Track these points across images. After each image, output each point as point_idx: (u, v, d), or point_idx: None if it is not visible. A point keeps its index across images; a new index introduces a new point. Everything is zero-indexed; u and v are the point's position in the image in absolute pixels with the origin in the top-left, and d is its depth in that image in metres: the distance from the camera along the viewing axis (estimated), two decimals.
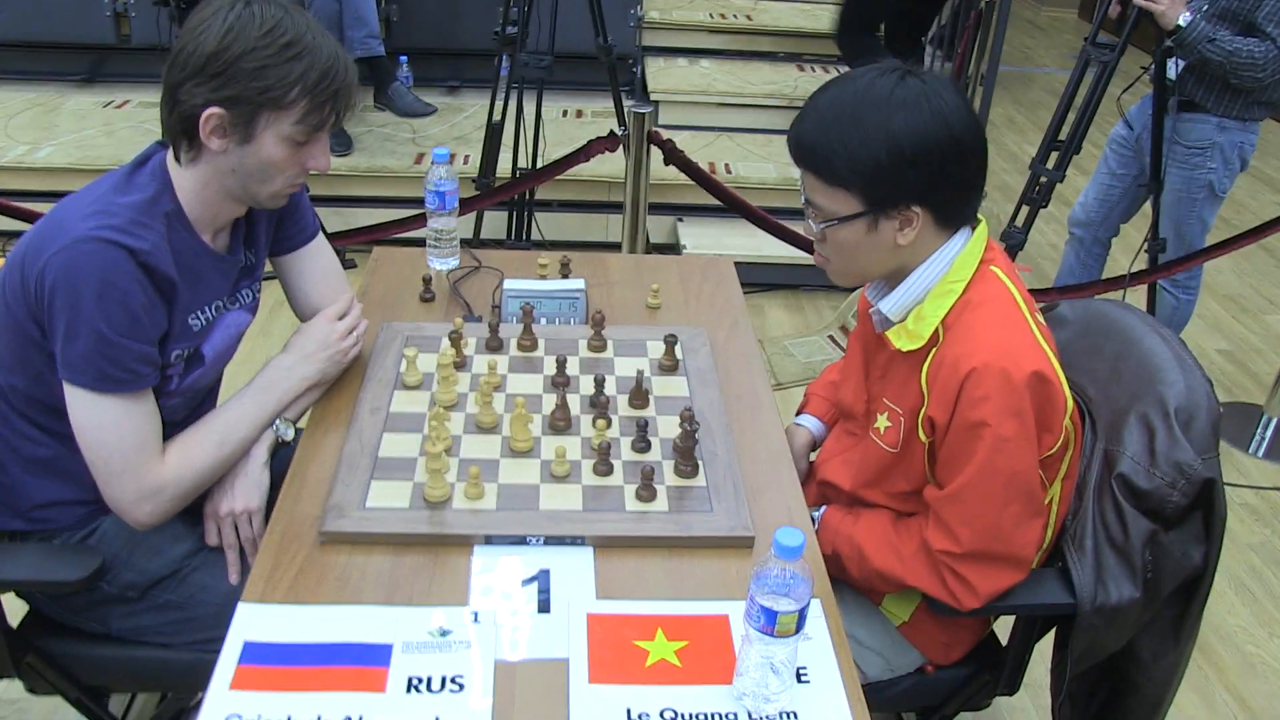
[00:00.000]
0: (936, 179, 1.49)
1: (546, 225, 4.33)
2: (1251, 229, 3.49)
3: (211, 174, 1.60)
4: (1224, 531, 1.66)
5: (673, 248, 4.42)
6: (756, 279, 4.19)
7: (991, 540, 1.54)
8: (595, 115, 4.94)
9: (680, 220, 4.41)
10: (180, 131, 1.56)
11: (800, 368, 3.72)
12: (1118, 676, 1.80)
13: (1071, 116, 3.51)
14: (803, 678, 1.33)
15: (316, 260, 1.89)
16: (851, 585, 1.73)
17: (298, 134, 1.57)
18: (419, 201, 4.20)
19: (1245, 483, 3.49)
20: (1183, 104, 3.31)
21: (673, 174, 3.37)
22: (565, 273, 2.13)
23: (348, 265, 4.05)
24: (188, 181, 1.60)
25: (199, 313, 1.66)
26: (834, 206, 1.51)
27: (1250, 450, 3.66)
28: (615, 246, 3.42)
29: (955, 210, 1.54)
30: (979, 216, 1.60)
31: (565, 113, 4.98)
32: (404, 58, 4.96)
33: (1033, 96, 7.41)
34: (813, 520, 1.72)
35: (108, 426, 1.52)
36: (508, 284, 2.03)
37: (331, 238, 3.77)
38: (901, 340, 1.56)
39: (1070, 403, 1.58)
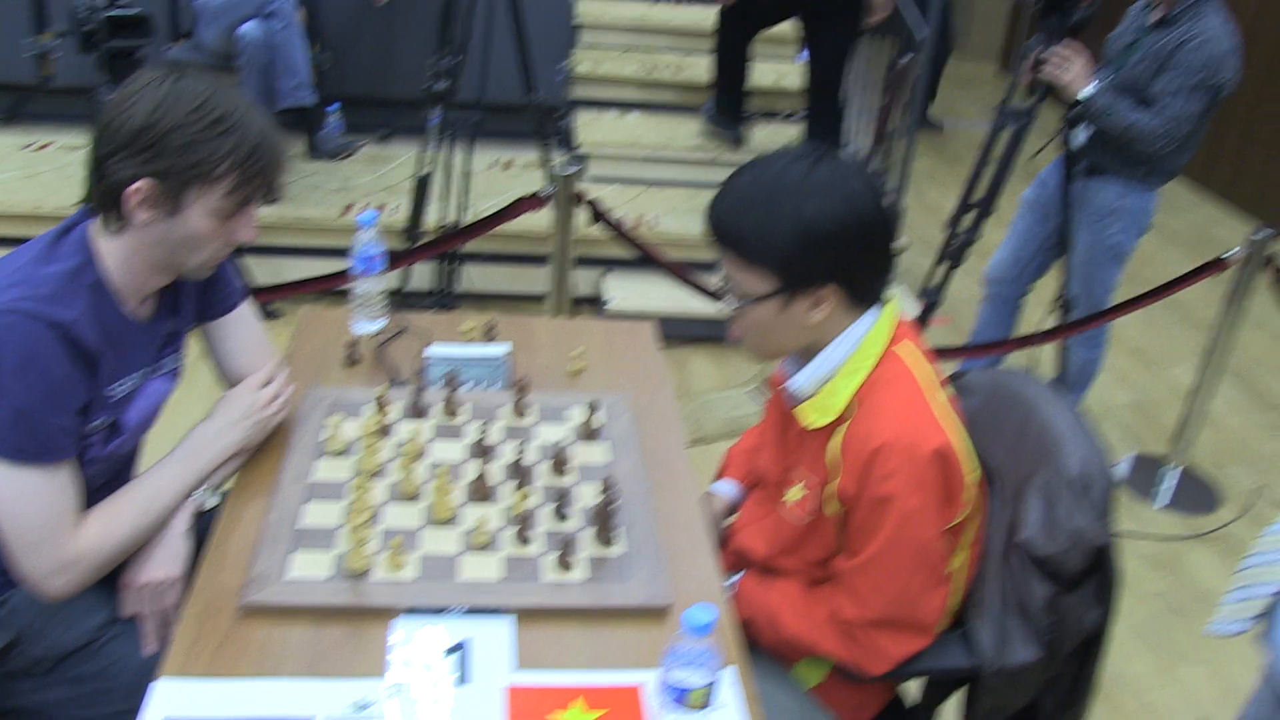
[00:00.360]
0: (847, 261, 1.56)
1: (474, 277, 4.37)
2: (1156, 287, 3.62)
3: (138, 244, 1.61)
4: (1119, 593, 1.74)
5: (596, 300, 4.47)
6: (681, 332, 4.26)
7: (898, 608, 1.61)
8: (524, 167, 4.99)
9: (606, 273, 4.46)
10: (107, 202, 1.58)
11: (723, 422, 3.78)
12: None
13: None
14: None
15: (241, 327, 1.91)
16: (766, 650, 1.78)
17: (226, 207, 1.60)
18: (346, 251, 4.23)
19: (1148, 534, 3.61)
20: (1089, 169, 3.46)
21: (600, 227, 3.43)
22: (490, 337, 2.17)
23: (273, 316, 4.06)
24: (114, 251, 1.62)
25: (121, 382, 1.67)
26: (749, 285, 1.58)
27: (1153, 502, 3.78)
28: (541, 298, 3.47)
29: (865, 290, 1.61)
30: (888, 295, 1.67)
31: (494, 163, 5.02)
32: (335, 106, 4.97)
33: (953, 150, 7.60)
34: (727, 587, 1.76)
35: (24, 498, 1.52)
36: (432, 349, 2.06)
37: (258, 289, 3.80)
38: (813, 416, 1.63)
39: (973, 475, 1.65)
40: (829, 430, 1.63)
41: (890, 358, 1.63)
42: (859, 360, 1.62)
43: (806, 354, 1.67)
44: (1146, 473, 3.92)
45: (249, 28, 4.23)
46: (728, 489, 2.02)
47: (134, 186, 1.54)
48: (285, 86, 4.32)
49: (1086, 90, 3.22)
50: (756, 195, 1.56)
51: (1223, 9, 3.23)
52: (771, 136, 5.28)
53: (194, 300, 1.84)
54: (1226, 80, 3.18)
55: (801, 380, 1.66)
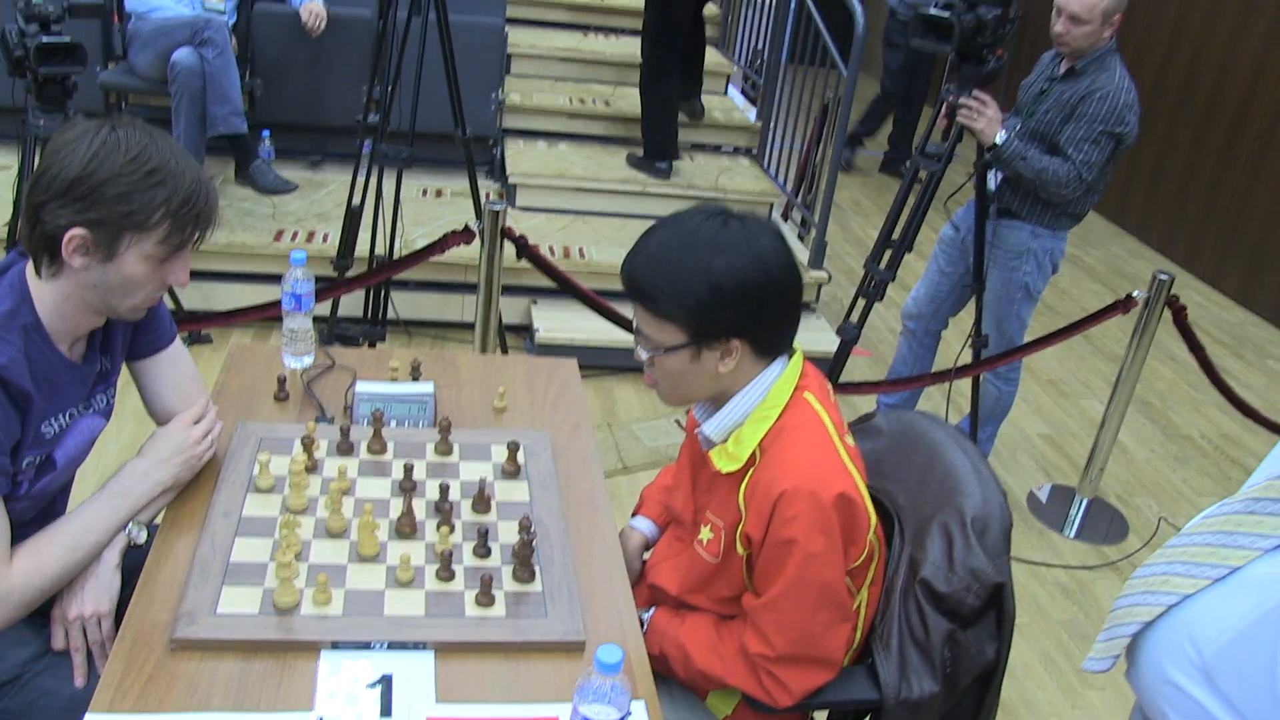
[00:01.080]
0: (754, 316, 1.64)
1: (404, 304, 4.41)
2: (1065, 326, 3.77)
3: (72, 288, 1.66)
4: (1014, 628, 1.84)
5: (527, 329, 4.54)
6: (608, 361, 4.34)
7: (803, 645, 1.70)
8: (454, 195, 5.05)
9: (535, 302, 4.53)
10: (42, 249, 1.62)
11: (647, 451, 3.87)
12: None
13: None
14: None
15: (173, 365, 1.96)
16: (679, 682, 1.86)
17: (159, 253, 1.64)
18: (277, 277, 4.26)
19: (1058, 562, 3.74)
20: (1001, 212, 3.60)
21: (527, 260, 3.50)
22: (415, 375, 2.23)
23: (204, 340, 4.07)
24: (48, 294, 1.66)
25: (53, 420, 1.71)
26: (661, 337, 1.66)
27: (1064, 531, 3.93)
28: (470, 326, 3.53)
29: (772, 343, 1.70)
30: (794, 346, 1.77)
31: (425, 192, 5.08)
32: (267, 132, 5.00)
33: (879, 181, 7.79)
34: (642, 622, 1.84)
35: None
36: (359, 386, 2.12)
37: (190, 317, 3.82)
38: (722, 462, 1.71)
39: (874, 519, 1.75)
40: (738, 476, 1.71)
41: (797, 404, 1.72)
42: (766, 408, 1.71)
43: (717, 400, 1.75)
44: (1058, 503, 4.07)
45: (182, 54, 4.24)
46: (645, 525, 2.10)
47: (69, 234, 1.58)
48: (218, 113, 4.34)
49: (998, 137, 3.36)
50: (669, 252, 1.64)
51: (1123, 64, 3.39)
52: (702, 167, 5.40)
53: (125, 339, 1.88)
54: (1128, 130, 3.34)
55: (712, 427, 1.74)
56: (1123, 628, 1.43)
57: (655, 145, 5.20)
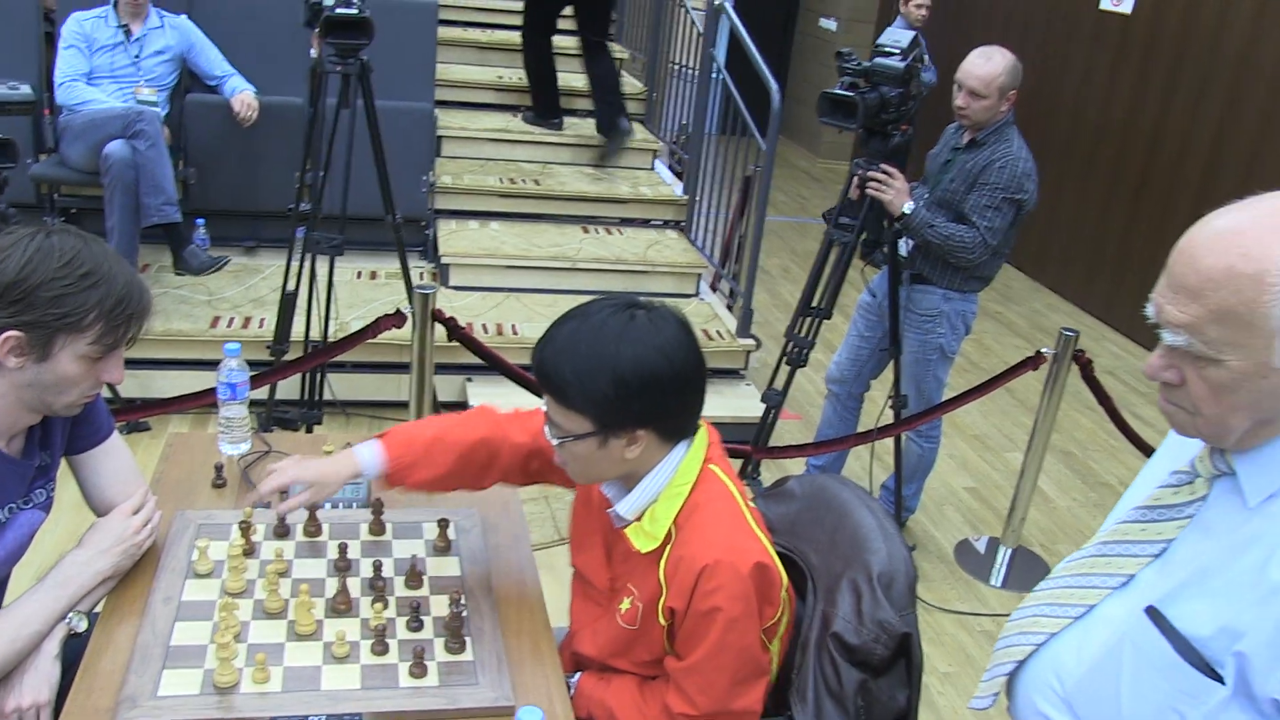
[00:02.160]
0: (658, 407, 1.74)
1: (341, 385, 4.49)
2: (981, 383, 3.92)
3: (8, 388, 1.73)
4: (922, 675, 1.95)
5: (463, 405, 4.63)
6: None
7: (724, 703, 1.79)
8: (388, 276, 5.15)
9: (469, 379, 4.62)
10: None
11: None
12: None
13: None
14: None
15: (111, 458, 2.02)
16: None
17: (93, 352, 1.72)
18: (214, 363, 4.31)
19: (985, 611, 3.87)
20: (914, 277, 3.77)
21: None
22: None
23: (142, 428, 4.11)
24: None
25: None
26: (569, 425, 1.75)
27: (990, 581, 4.06)
28: (407, 405, 3.61)
29: (677, 429, 1.80)
30: (699, 424, 1.87)
31: (360, 274, 5.17)
32: (201, 221, 5.07)
33: (807, 246, 7.97)
34: (569, 685, 1.93)
35: None
36: None
37: (128, 404, 3.87)
38: (640, 541, 1.80)
39: (784, 578, 1.85)
40: (657, 552, 1.80)
41: (706, 478, 1.82)
42: (676, 485, 1.80)
43: (627, 480, 1.85)
44: (984, 554, 4.21)
45: (114, 147, 4.30)
46: (371, 456, 1.94)
47: (4, 336, 1.66)
48: (152, 204, 4.40)
49: (906, 207, 3.53)
50: (576, 346, 1.72)
51: (1020, 135, 3.59)
52: (631, 240, 5.54)
53: (64, 434, 1.95)
54: (1027, 197, 3.52)
55: (625, 508, 1.83)
56: (1000, 667, 1.55)
57: (543, 105, 6.12)
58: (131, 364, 4.16)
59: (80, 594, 1.83)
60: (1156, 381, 1.33)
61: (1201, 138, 6.28)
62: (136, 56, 4.65)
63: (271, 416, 4.21)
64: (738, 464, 4.14)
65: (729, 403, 4.80)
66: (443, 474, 1.97)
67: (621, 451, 1.75)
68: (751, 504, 1.86)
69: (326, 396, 4.25)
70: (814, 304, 3.74)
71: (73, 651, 1.80)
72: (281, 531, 2.06)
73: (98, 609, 1.89)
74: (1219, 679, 1.27)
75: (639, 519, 1.82)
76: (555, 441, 1.79)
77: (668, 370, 1.71)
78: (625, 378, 1.68)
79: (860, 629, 1.90)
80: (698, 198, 5.91)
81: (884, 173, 3.52)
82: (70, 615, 1.81)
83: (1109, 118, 6.96)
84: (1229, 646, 1.26)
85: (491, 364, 3.43)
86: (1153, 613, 1.33)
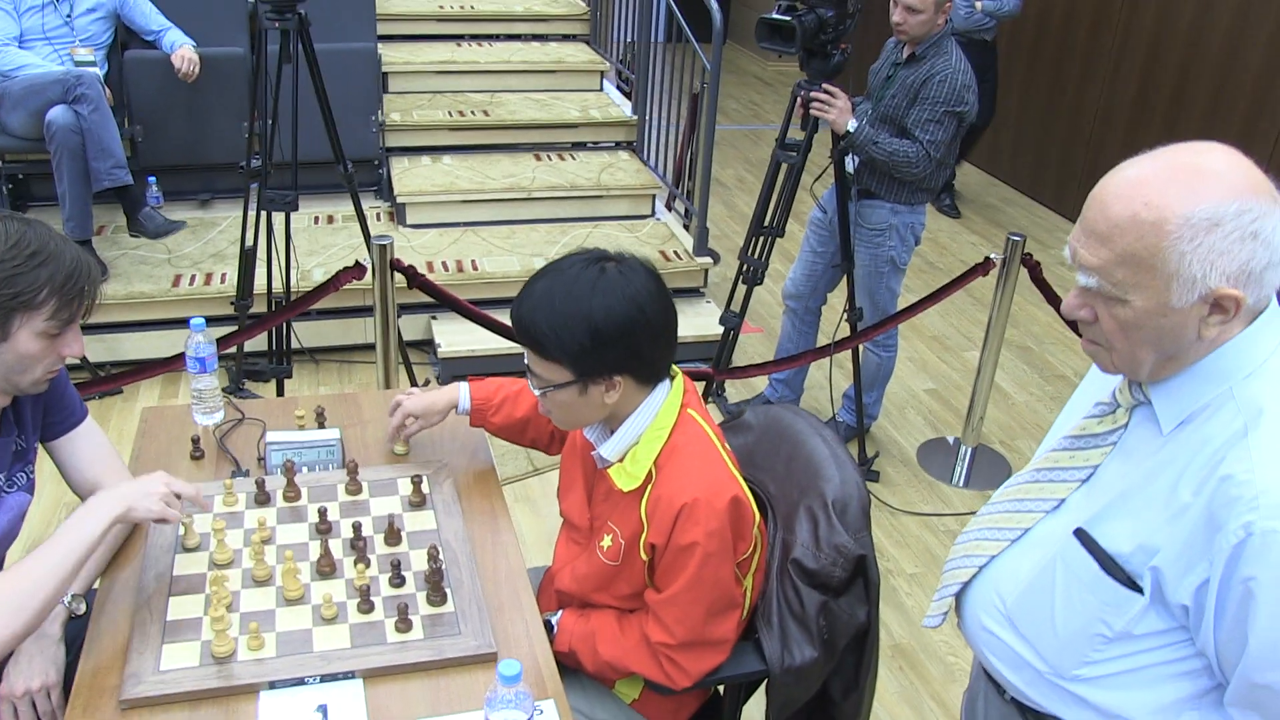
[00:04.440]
0: (632, 354, 1.84)
1: (307, 334, 4.54)
2: (933, 291, 4.01)
3: None
4: (879, 593, 2.07)
5: (428, 344, 4.70)
6: (509, 369, 4.48)
7: (699, 633, 1.91)
8: (345, 219, 5.17)
9: (434, 318, 4.68)
10: None
11: None
12: (821, 713, 2.19)
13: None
14: None
15: (88, 441, 2.10)
16: (589, 675, 2.06)
17: (51, 328, 1.80)
18: (181, 323, 4.35)
19: (948, 511, 4.01)
20: (861, 192, 3.84)
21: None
22: (321, 422, 2.39)
23: (114, 393, 4.16)
24: None
25: None
26: (549, 376, 1.85)
27: (952, 481, 4.20)
28: (373, 347, 3.67)
29: (651, 374, 1.90)
30: (674, 369, 1.96)
31: (316, 219, 5.18)
32: (153, 179, 5.06)
33: (761, 154, 8.00)
34: (551, 624, 2.04)
35: None
36: (270, 437, 2.28)
37: (96, 371, 3.92)
38: (622, 481, 1.91)
39: (757, 516, 1.96)
40: (638, 491, 1.91)
41: (684, 422, 1.92)
42: (657, 428, 1.91)
43: (609, 423, 1.95)
44: (945, 455, 4.34)
45: (56, 113, 4.26)
46: (465, 398, 2.31)
47: None
48: (101, 168, 4.38)
49: (850, 125, 3.59)
50: (552, 300, 1.82)
51: (958, 47, 3.64)
52: (584, 164, 5.56)
53: (36, 419, 2.02)
54: (968, 109, 3.59)
55: (608, 450, 1.94)
56: (948, 588, 1.67)
57: None
58: (97, 329, 4.29)
59: (97, 529, 1.78)
60: (1073, 318, 1.43)
61: (1144, 19, 6.32)
62: (68, 15, 4.58)
63: (241, 370, 4.27)
64: (700, 386, 4.24)
65: (690, 321, 4.88)
66: (512, 423, 2.30)
67: (601, 397, 1.86)
68: (727, 446, 1.96)
69: (295, 345, 4.31)
70: (766, 223, 3.81)
71: (73, 633, 1.89)
72: (263, 499, 2.14)
73: (96, 585, 1.97)
74: (1139, 590, 1.39)
75: (621, 460, 1.92)
76: (538, 392, 1.90)
77: (639, 318, 1.81)
78: (599, 328, 1.79)
79: (818, 554, 2.01)
80: (648, 116, 5.93)
81: (826, 93, 3.57)
82: (68, 598, 1.89)
83: (1051, 2, 6.99)
84: (1146, 561, 1.38)
85: (452, 307, 3.49)
86: (1081, 534, 1.45)
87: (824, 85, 3.57)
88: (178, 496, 1.88)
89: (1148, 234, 1.29)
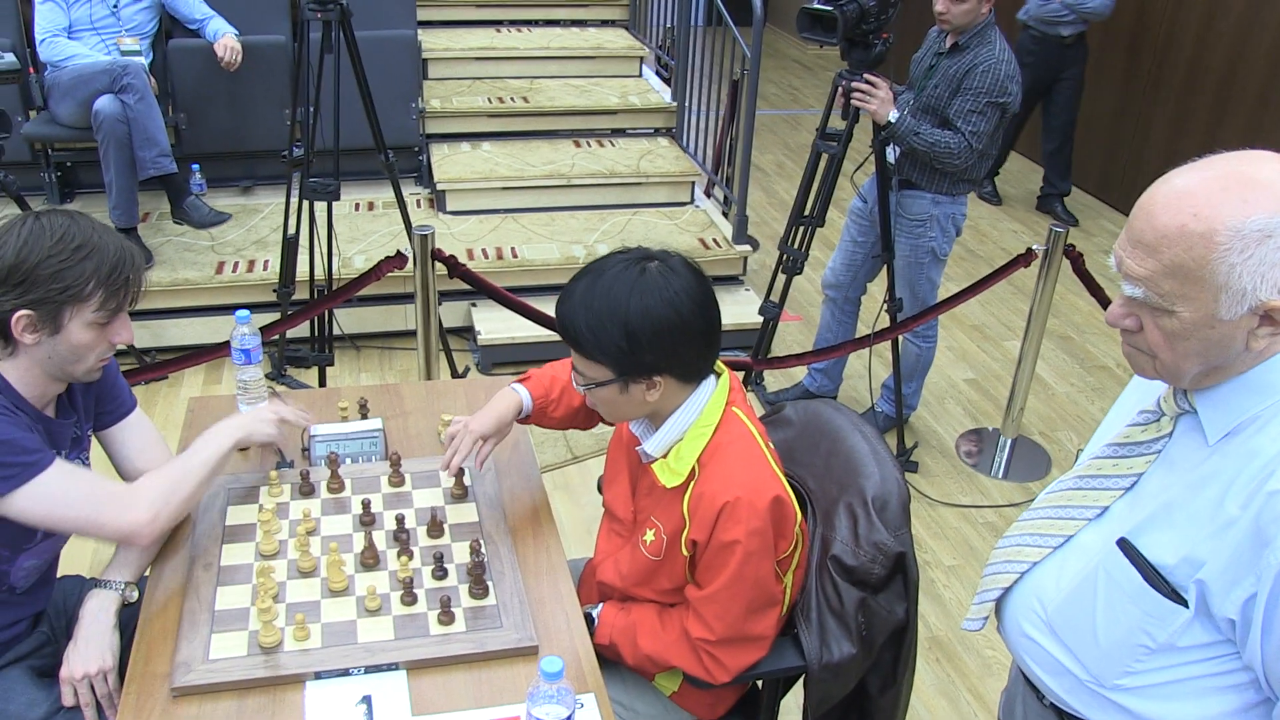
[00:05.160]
0: (670, 355, 1.84)
1: (348, 320, 4.59)
2: (974, 283, 3.99)
3: (31, 362, 1.88)
4: (919, 589, 2.07)
5: (468, 330, 4.72)
6: (549, 356, 4.50)
7: (739, 630, 1.93)
8: (385, 206, 5.20)
9: (474, 305, 4.71)
10: None
11: (594, 439, 4.08)
12: (858, 708, 2.21)
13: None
14: None
15: (136, 431, 2.16)
16: (629, 668, 2.08)
17: (100, 318, 1.86)
18: (225, 309, 4.40)
19: (986, 503, 4.00)
20: (902, 183, 3.82)
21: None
22: (364, 413, 2.42)
23: (160, 379, 4.22)
24: (11, 370, 1.88)
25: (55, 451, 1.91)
26: (591, 374, 1.87)
27: (991, 473, 4.18)
28: (413, 334, 3.70)
29: (693, 373, 1.91)
30: (719, 367, 1.97)
31: (357, 206, 5.22)
32: (196, 166, 5.11)
33: (800, 139, 7.97)
34: (592, 617, 2.06)
35: (57, 498, 1.82)
36: (313, 430, 2.30)
37: (142, 359, 3.97)
38: (666, 477, 1.92)
39: (799, 515, 1.97)
40: (681, 488, 1.92)
41: (729, 420, 1.93)
42: (701, 426, 1.91)
43: (654, 419, 1.96)
44: (984, 446, 4.33)
45: (104, 103, 4.32)
46: (525, 395, 2.22)
47: (15, 316, 1.80)
48: (146, 157, 4.43)
49: (891, 115, 3.58)
50: (591, 301, 1.83)
51: (1002, 35, 3.61)
52: (623, 151, 5.56)
53: (89, 409, 2.08)
54: (1010, 100, 3.56)
55: (652, 445, 1.95)
56: (989, 593, 1.67)
57: None
58: (143, 315, 4.35)
59: (227, 445, 2.08)
60: (1118, 328, 1.42)
61: (1189, 14, 6.24)
62: (115, 6, 4.64)
63: (284, 357, 4.31)
64: (739, 375, 4.24)
65: (728, 310, 4.85)
66: (574, 412, 2.25)
67: (642, 395, 1.88)
68: (770, 444, 1.97)
69: (336, 332, 4.35)
70: (806, 213, 3.81)
71: (125, 619, 1.95)
72: (307, 490, 2.17)
73: (146, 573, 2.01)
74: (1183, 603, 1.39)
75: (665, 456, 1.94)
76: (582, 388, 1.92)
77: (675, 320, 1.81)
78: (635, 330, 1.80)
79: (857, 551, 2.02)
80: (687, 102, 5.92)
81: (867, 83, 3.55)
82: (122, 586, 1.95)
83: None
84: (1191, 574, 1.38)
85: (492, 296, 3.51)
86: (1124, 544, 1.45)
87: (865, 75, 3.56)
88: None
89: (1196, 246, 1.27)
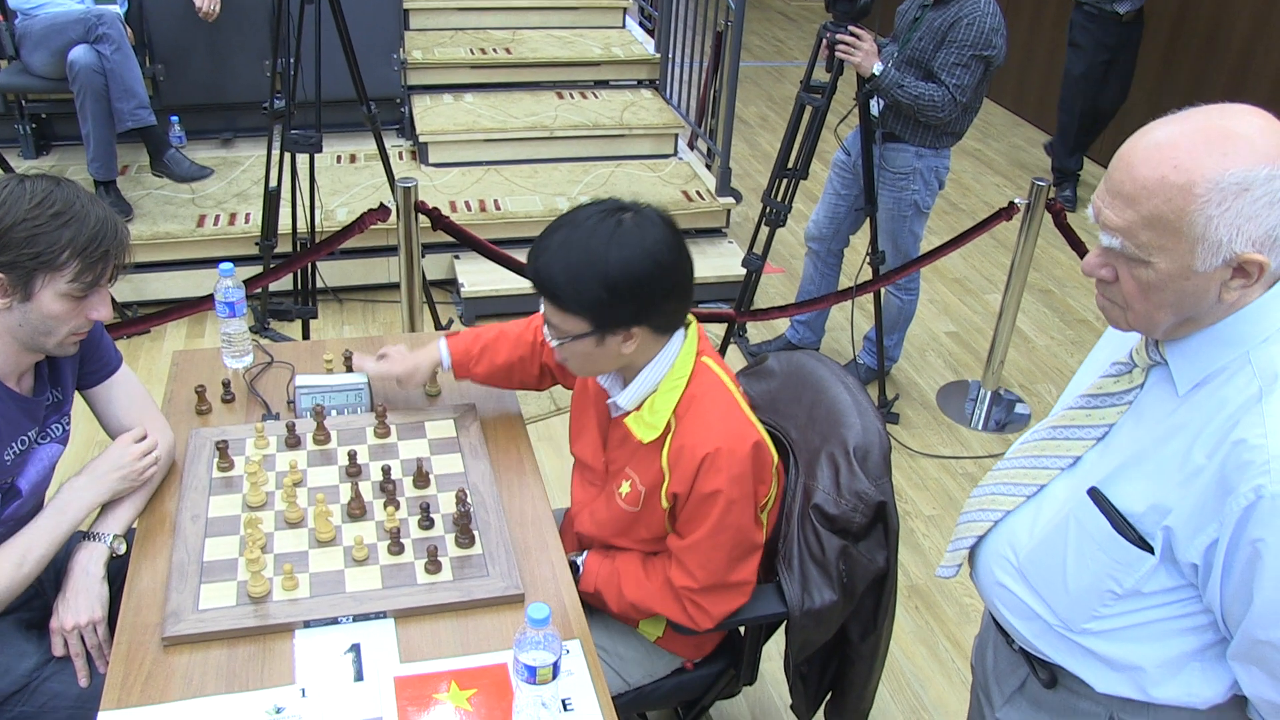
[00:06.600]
0: (649, 306, 1.84)
1: (331, 273, 4.58)
2: (956, 236, 4.01)
3: (2, 330, 1.83)
4: (899, 538, 2.10)
5: (451, 283, 4.72)
6: (532, 308, 4.52)
7: (722, 576, 1.95)
8: (367, 158, 5.17)
9: (457, 257, 4.70)
10: None
11: None
12: (839, 654, 2.25)
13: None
14: (568, 707, 1.70)
15: (122, 389, 2.13)
16: (613, 615, 2.11)
17: (74, 290, 1.80)
18: (207, 262, 4.38)
19: (966, 454, 4.04)
20: (886, 136, 3.83)
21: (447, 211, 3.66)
22: (349, 366, 2.43)
23: (142, 333, 4.21)
24: None
25: (10, 448, 1.89)
26: (566, 327, 1.86)
27: (970, 424, 4.22)
28: (396, 286, 3.70)
29: (668, 324, 1.91)
30: (689, 318, 1.98)
31: (339, 158, 5.19)
32: (175, 118, 5.06)
33: (784, 91, 7.94)
34: (576, 565, 2.09)
35: None
36: (299, 381, 2.31)
37: (125, 309, 3.95)
38: (642, 431, 1.93)
39: (775, 457, 1.99)
40: (658, 441, 1.93)
41: (701, 371, 1.94)
42: (674, 378, 1.93)
43: (625, 372, 1.97)
44: (963, 398, 4.36)
45: (79, 54, 4.26)
46: (445, 354, 2.30)
47: None
48: (124, 109, 4.38)
49: (875, 68, 3.57)
50: (568, 253, 1.82)
51: None
52: (606, 103, 5.54)
53: (74, 369, 2.06)
54: (995, 53, 3.56)
55: (625, 399, 1.96)
56: (963, 541, 1.70)
57: None
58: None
59: (79, 518, 1.95)
60: (1094, 279, 1.44)
61: None
62: None
63: (267, 310, 4.31)
64: (723, 328, 4.26)
65: (712, 262, 4.89)
66: (495, 370, 2.29)
67: (618, 347, 1.88)
68: (741, 389, 1.99)
69: (319, 285, 4.34)
70: (789, 165, 3.81)
71: (114, 570, 1.95)
72: (293, 442, 2.18)
73: (134, 525, 2.02)
74: (1150, 550, 1.42)
75: (638, 409, 1.95)
76: (555, 343, 1.91)
77: (655, 270, 1.81)
78: (615, 281, 1.79)
79: (839, 500, 2.05)
80: (671, 54, 5.89)
81: (852, 35, 3.54)
82: (110, 538, 1.95)
83: None
84: (1158, 522, 1.41)
85: (475, 248, 3.51)
86: (1094, 494, 1.48)
87: (850, 28, 3.55)
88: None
89: (1175, 197, 1.29)
